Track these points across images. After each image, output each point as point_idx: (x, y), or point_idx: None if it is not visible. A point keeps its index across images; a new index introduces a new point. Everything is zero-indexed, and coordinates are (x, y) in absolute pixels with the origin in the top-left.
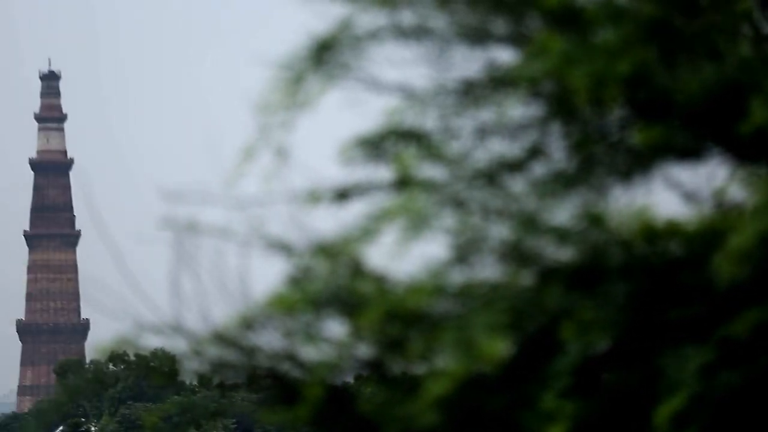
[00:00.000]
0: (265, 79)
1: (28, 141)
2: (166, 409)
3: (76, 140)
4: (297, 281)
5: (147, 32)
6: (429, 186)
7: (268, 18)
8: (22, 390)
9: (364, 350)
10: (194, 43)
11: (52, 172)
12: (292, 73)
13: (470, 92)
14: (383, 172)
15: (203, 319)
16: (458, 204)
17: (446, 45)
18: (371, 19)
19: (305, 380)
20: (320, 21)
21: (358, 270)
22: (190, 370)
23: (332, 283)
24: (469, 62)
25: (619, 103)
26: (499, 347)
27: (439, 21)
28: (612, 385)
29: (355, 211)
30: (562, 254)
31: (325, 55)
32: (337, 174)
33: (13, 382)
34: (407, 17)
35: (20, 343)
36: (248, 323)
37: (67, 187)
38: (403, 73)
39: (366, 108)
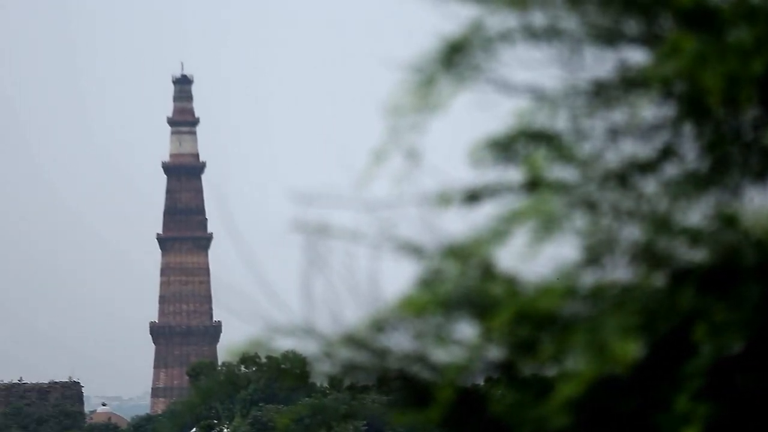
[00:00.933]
0: (395, 81)
1: (161, 145)
2: (297, 411)
3: (208, 144)
4: (427, 283)
5: (277, 36)
6: (560, 187)
7: (399, 20)
8: (156, 392)
9: (495, 352)
10: (325, 44)
11: (184, 175)
12: (423, 75)
13: (602, 93)
14: (514, 174)
15: (334, 321)
16: (589, 205)
17: (577, 46)
18: (502, 20)
19: (436, 382)
20: (451, 23)
21: (488, 272)
22: (321, 372)
23: (463, 284)
24: (601, 63)
25: (752, 103)
26: (632, 349)
27: (570, 22)
28: (746, 386)
29: (485, 213)
30: (695, 255)
31: (456, 57)
32: (467, 176)
33: (146, 384)
34: (538, 18)
35: (153, 345)
36: (379, 325)
37: (200, 191)
38: (533, 74)
39: (496, 109)
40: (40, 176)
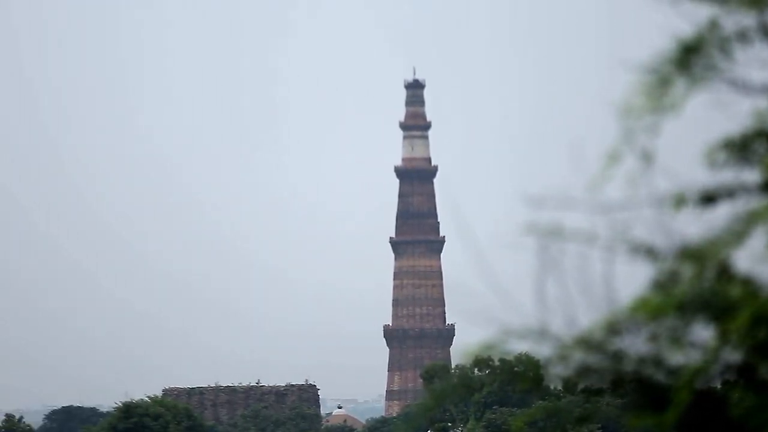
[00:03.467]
0: (630, 82)
1: (394, 149)
2: (531, 414)
3: (439, 148)
4: (663, 285)
5: (509, 37)
6: None
7: (634, 20)
8: (390, 395)
9: (733, 354)
10: (558, 45)
11: (416, 179)
12: (658, 76)
13: None
14: (750, 174)
15: (568, 324)
16: None
17: None
18: (738, 19)
19: (672, 385)
20: (684, 22)
21: (725, 273)
22: (555, 375)
23: (699, 286)
24: None
25: None
26: None
27: None
28: None
29: (721, 214)
30: None
31: (691, 57)
32: (702, 176)
33: (381, 387)
34: None
35: (387, 348)
36: (613, 328)
37: (432, 195)
38: None
39: (733, 109)
40: (286, 181)
